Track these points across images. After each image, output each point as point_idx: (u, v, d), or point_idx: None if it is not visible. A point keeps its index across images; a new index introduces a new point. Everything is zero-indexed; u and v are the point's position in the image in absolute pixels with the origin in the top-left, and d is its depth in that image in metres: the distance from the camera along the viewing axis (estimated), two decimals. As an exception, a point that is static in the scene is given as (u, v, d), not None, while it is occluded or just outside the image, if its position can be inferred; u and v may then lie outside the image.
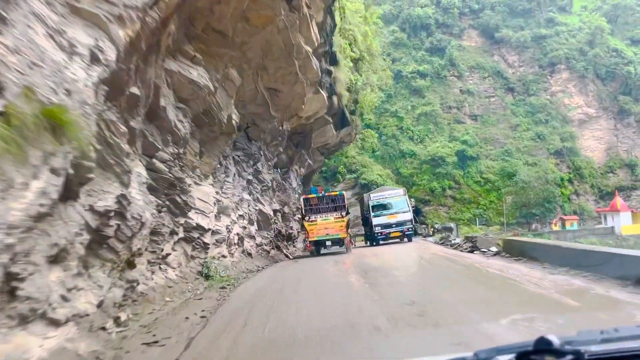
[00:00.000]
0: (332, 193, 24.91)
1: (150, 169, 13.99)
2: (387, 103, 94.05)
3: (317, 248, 23.59)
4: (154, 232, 13.75)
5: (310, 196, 23.95)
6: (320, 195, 24.03)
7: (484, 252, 21.47)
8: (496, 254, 20.16)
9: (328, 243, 23.19)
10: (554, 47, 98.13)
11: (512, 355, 2.11)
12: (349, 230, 24.72)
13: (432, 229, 61.98)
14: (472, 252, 22.79)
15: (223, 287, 15.85)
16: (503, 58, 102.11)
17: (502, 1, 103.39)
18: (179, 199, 16.64)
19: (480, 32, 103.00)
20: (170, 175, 15.48)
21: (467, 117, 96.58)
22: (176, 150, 15.89)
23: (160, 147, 14.77)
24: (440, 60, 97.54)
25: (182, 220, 17.24)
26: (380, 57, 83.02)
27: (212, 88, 17.47)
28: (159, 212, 14.50)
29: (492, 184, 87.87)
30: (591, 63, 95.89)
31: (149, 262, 14.14)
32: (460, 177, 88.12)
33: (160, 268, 15.28)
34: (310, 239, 23.18)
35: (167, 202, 15.77)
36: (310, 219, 23.26)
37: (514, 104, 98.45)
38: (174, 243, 16.88)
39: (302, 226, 25.05)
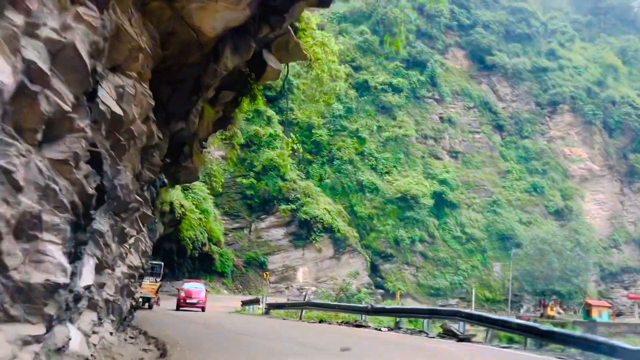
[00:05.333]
0: (154, 262, 26.53)
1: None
2: (345, 119, 69.96)
3: None
4: None
5: None
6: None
7: None
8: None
9: (140, 300, 21.82)
10: (557, 82, 78.86)
11: None
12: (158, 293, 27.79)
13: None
14: None
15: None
16: (493, 88, 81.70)
17: (497, 20, 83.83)
18: None
19: (467, 53, 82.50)
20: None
21: (445, 152, 74.08)
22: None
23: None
24: (419, 76, 75.31)
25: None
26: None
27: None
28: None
29: (477, 242, 64.39)
30: (600, 108, 76.98)
31: None
32: (435, 228, 63.95)
33: None
34: None
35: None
36: None
37: (503, 145, 77.35)
38: None
39: None
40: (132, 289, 11.31)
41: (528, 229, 64.05)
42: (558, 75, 79.85)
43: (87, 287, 7.78)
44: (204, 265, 53.01)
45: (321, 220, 57.64)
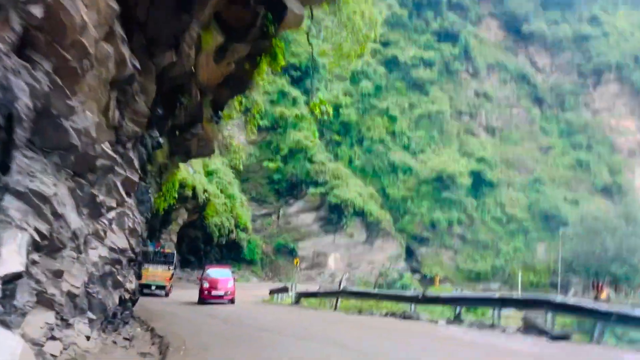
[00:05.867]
0: (166, 251, 27.81)
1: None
2: (374, 97, 66.63)
3: (141, 289, 21.10)
4: None
5: (147, 250, 24.76)
6: (157, 250, 26.90)
7: None
8: None
9: (153, 287, 25.51)
10: (601, 50, 73.35)
11: None
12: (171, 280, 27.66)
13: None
14: None
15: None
16: (530, 60, 76.82)
17: (534, -13, 78.50)
18: None
19: (502, 23, 77.67)
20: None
21: (481, 129, 69.99)
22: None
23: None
24: (451, 49, 71.04)
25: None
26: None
27: None
28: None
29: (518, 223, 60.49)
30: (650, 76, 71.31)
31: None
32: (473, 209, 60.32)
33: None
34: (140, 282, 19.07)
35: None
36: (144, 267, 23.46)
37: (543, 119, 72.65)
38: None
39: None
40: (120, 278, 8.71)
41: (574, 207, 59.73)
42: (602, 42, 74.25)
43: (16, 276, 5.15)
44: (231, 253, 50.94)
45: (352, 204, 54.75)
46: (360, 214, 54.99)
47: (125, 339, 9.83)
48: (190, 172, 39.57)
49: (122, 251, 8.41)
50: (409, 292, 14.08)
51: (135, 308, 18.35)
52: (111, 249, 8.10)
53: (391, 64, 69.83)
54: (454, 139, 66.25)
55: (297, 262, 57.17)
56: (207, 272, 22.73)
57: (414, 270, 55.55)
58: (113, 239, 8.14)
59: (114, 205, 7.92)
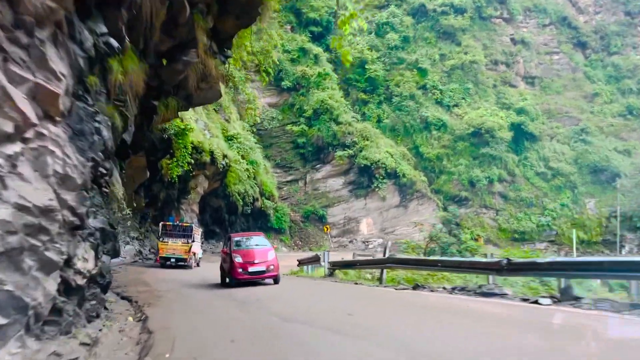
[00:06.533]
0: (185, 224, 27.27)
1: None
2: (402, 50, 61.93)
3: (162, 262, 25.91)
4: None
5: (167, 223, 26.80)
6: (176, 224, 26.88)
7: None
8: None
9: (172, 260, 25.67)
10: (651, -16, 66.37)
11: None
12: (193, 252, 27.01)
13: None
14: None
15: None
16: (571, 0, 70.20)
17: None
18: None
19: (539, -38, 70.89)
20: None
21: (520, 79, 64.72)
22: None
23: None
24: (484, -8, 65.24)
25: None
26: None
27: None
28: None
29: (564, 178, 55.88)
30: None
31: None
32: (515, 165, 55.93)
33: None
34: (160, 255, 25.82)
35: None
36: (163, 240, 25.95)
37: (588, 64, 66.72)
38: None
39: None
40: (53, 255, 5.40)
41: (626, 157, 54.71)
42: (652, -25, 67.19)
43: None
44: (258, 222, 48.15)
45: (383, 165, 51.04)
46: (393, 175, 51.28)
47: (84, 344, 6.61)
48: (207, 135, 36.37)
49: (44, 212, 5.06)
50: (485, 259, 10.41)
51: (142, 286, 14.93)
52: (20, 208, 4.75)
53: (418, 13, 64.74)
54: (491, 90, 61.29)
55: (327, 230, 54.32)
56: (236, 242, 16.17)
57: (452, 234, 51.82)
58: (23, 190, 4.78)
59: (16, 133, 4.53)
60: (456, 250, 40.62)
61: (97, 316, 7.94)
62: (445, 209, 52.56)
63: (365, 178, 52.22)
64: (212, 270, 19.98)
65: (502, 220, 53.07)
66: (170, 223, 26.67)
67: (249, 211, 44.77)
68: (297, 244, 52.09)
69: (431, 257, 16.75)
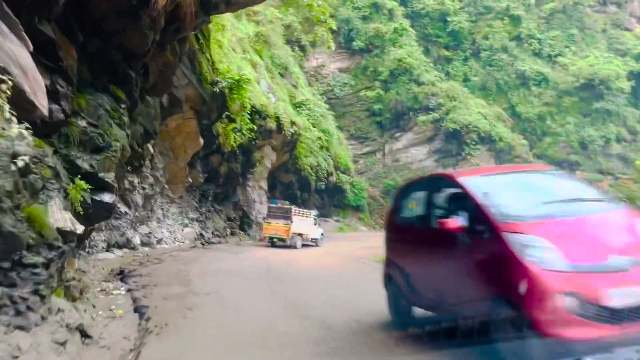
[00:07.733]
0: (285, 207, 29.27)
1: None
2: (489, -2, 53.87)
3: (270, 240, 28.65)
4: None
5: (271, 205, 29.97)
6: (278, 205, 29.44)
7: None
8: None
9: (275, 239, 27.95)
10: None
11: None
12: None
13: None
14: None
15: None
16: None
17: None
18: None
19: None
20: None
21: (634, 20, 54.59)
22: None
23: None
24: None
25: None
26: None
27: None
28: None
29: (701, 134, 46.00)
30: None
31: None
32: (636, 120, 46.82)
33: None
34: (264, 234, 29.24)
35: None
36: (267, 220, 29.03)
37: None
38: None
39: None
40: None
41: None
42: None
43: None
44: (334, 200, 43.14)
45: (475, 129, 44.17)
46: (487, 139, 44.34)
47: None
48: (271, 99, 31.42)
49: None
50: None
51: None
52: None
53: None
54: (600, 36, 52.04)
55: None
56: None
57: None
58: None
59: None
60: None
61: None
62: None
63: (454, 145, 45.58)
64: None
65: (622, 187, 44.51)
66: (274, 205, 29.65)
67: (323, 187, 39.78)
68: (377, 222, 46.59)
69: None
